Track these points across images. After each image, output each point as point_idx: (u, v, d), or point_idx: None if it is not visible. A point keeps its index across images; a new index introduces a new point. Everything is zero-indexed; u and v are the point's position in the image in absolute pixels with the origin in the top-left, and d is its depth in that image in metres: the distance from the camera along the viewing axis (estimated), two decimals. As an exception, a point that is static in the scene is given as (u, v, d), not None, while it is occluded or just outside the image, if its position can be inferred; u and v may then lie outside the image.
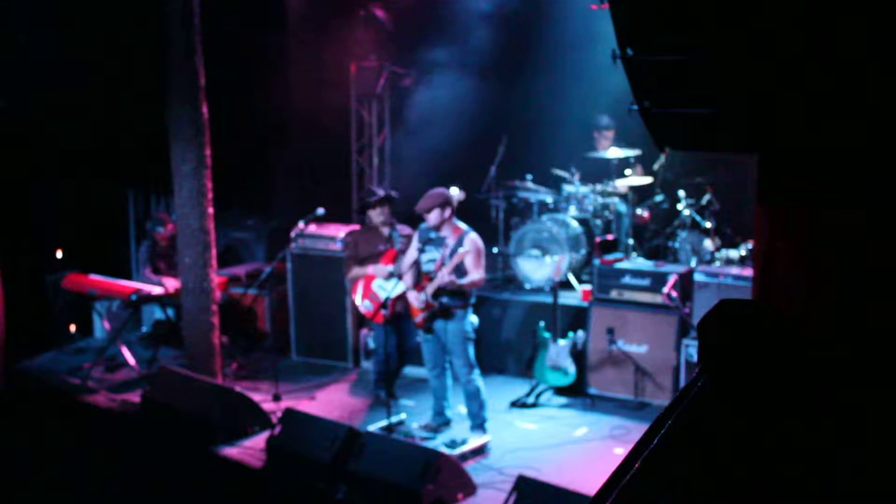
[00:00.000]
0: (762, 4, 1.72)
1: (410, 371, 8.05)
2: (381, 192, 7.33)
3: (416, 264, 6.61)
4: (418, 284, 6.52)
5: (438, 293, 6.38)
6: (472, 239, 6.43)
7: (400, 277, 6.85)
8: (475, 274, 6.38)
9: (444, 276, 6.30)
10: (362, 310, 7.26)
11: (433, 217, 6.39)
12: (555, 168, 8.98)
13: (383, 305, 6.85)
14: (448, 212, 6.43)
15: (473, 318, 6.62)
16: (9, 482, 6.36)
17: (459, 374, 6.57)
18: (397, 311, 7.08)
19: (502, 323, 8.15)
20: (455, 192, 6.80)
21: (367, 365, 8.16)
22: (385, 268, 7.04)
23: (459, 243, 6.39)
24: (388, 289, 6.97)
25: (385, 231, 7.23)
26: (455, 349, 6.51)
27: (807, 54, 1.72)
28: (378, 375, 7.41)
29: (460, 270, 6.35)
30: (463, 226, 6.54)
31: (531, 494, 5.05)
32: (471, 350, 6.52)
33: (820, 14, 1.68)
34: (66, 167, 9.23)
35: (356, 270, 7.24)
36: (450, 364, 6.73)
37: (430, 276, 6.45)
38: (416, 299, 6.49)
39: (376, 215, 7.21)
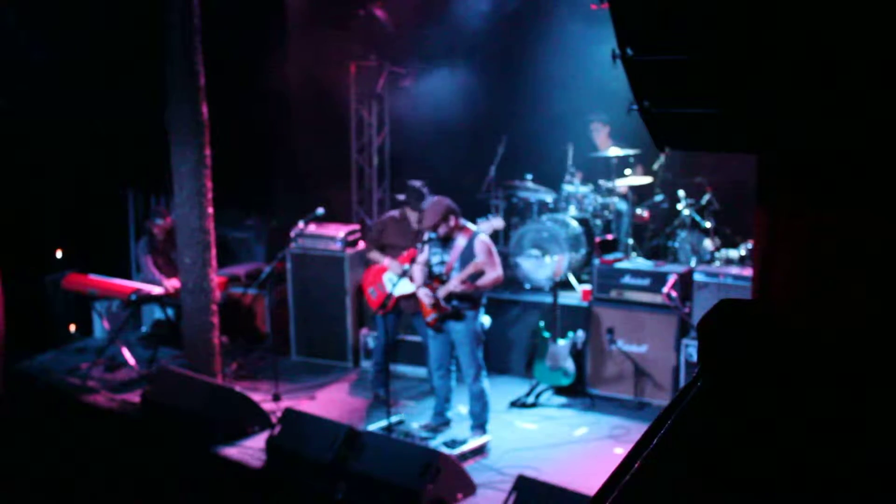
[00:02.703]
0: (763, 4, 1.72)
1: (411, 371, 8.06)
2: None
3: (426, 263, 6.62)
4: (429, 285, 6.51)
5: (450, 297, 6.38)
6: (482, 241, 6.42)
7: (412, 280, 6.87)
8: (492, 272, 6.37)
9: (458, 285, 6.30)
10: (367, 296, 7.40)
11: (442, 231, 6.39)
12: (567, 145, 8.94)
13: (387, 299, 6.88)
14: (453, 220, 6.42)
15: (485, 319, 6.61)
16: (9, 482, 6.36)
17: (466, 374, 6.56)
18: (398, 307, 7.16)
19: (502, 323, 8.14)
20: (496, 223, 6.80)
21: (366, 365, 8.16)
22: (400, 266, 7.08)
23: (470, 246, 6.38)
24: (395, 284, 6.96)
25: (414, 227, 7.22)
26: (463, 349, 6.49)
27: (808, 54, 1.72)
28: (377, 366, 7.42)
29: (474, 273, 6.35)
30: (472, 226, 6.53)
31: (531, 494, 5.06)
32: (479, 351, 6.51)
33: (821, 14, 1.68)
34: (66, 167, 9.22)
35: (374, 255, 7.33)
36: (456, 364, 6.71)
37: (440, 278, 6.44)
38: (426, 296, 6.47)
39: (413, 216, 7.23)
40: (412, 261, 6.97)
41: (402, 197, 7.45)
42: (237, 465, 6.39)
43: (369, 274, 7.35)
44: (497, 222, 6.79)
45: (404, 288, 6.96)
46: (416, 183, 7.28)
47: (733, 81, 1.84)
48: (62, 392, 7.85)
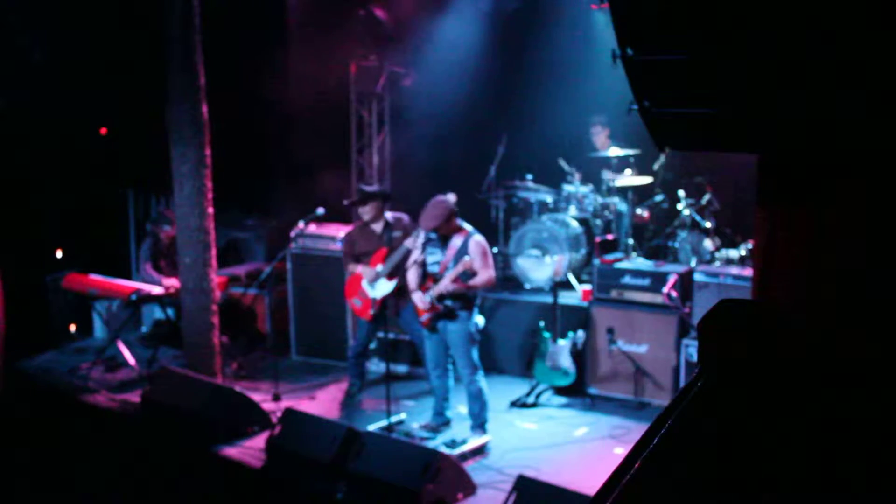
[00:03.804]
0: (763, 4, 1.72)
1: (405, 370, 8.08)
2: (367, 189, 7.39)
3: (422, 264, 6.61)
4: (423, 285, 6.51)
5: (443, 297, 6.39)
6: (477, 241, 6.42)
7: (390, 278, 6.88)
8: (484, 273, 6.37)
9: (449, 285, 6.31)
10: (352, 306, 7.43)
11: (442, 231, 6.40)
12: (560, 159, 8.96)
13: (378, 306, 6.91)
14: (453, 220, 6.44)
15: (479, 319, 6.62)
16: (9, 482, 6.36)
17: (462, 374, 6.57)
18: (384, 311, 7.19)
19: (502, 323, 8.14)
20: (451, 197, 6.81)
21: (366, 364, 8.16)
22: (371, 270, 7.15)
23: (465, 245, 6.39)
24: (376, 289, 7.05)
25: (377, 228, 7.27)
26: (458, 350, 6.50)
27: (808, 54, 1.72)
28: (354, 369, 7.63)
29: (467, 273, 6.35)
30: (467, 227, 6.53)
31: (531, 494, 5.05)
32: (474, 351, 6.51)
33: (821, 14, 1.68)
34: (66, 167, 9.22)
35: (350, 266, 7.41)
36: (452, 364, 6.73)
37: (434, 277, 6.45)
38: (420, 300, 6.48)
39: (365, 212, 7.27)
40: (384, 259, 7.04)
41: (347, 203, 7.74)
42: (237, 465, 6.39)
43: (349, 285, 7.38)
44: (450, 196, 6.79)
45: (384, 288, 7.03)
46: (368, 188, 7.51)
47: (733, 81, 1.84)
48: (62, 392, 7.85)
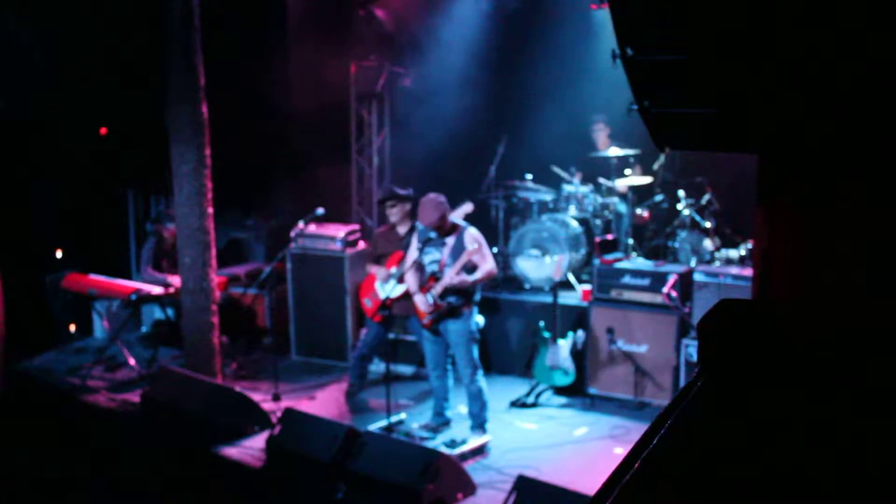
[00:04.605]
0: (763, 5, 1.72)
1: (410, 371, 8.07)
2: (399, 191, 7.41)
3: (420, 266, 6.60)
4: (424, 286, 6.51)
5: (445, 293, 6.38)
6: (472, 234, 6.43)
7: (400, 280, 6.87)
8: (485, 266, 6.39)
9: (453, 278, 6.31)
10: (364, 306, 7.49)
11: (442, 225, 6.41)
12: (554, 166, 8.98)
13: (382, 306, 6.90)
14: (448, 216, 6.45)
15: (479, 318, 6.62)
16: (9, 482, 6.37)
17: (463, 374, 6.57)
18: (393, 313, 7.21)
19: (502, 323, 8.14)
20: (467, 208, 6.81)
21: (368, 366, 8.15)
22: (383, 270, 7.22)
23: (460, 240, 6.40)
24: (386, 290, 7.07)
25: (401, 231, 7.32)
26: (459, 349, 6.50)
27: (807, 54, 1.72)
28: (356, 370, 7.65)
29: (466, 266, 6.36)
30: (460, 222, 6.54)
31: (531, 494, 5.06)
32: (475, 350, 6.52)
33: (820, 14, 1.68)
34: (66, 167, 9.22)
35: (368, 266, 7.55)
36: (452, 364, 6.73)
37: (435, 277, 6.45)
38: (422, 302, 6.48)
39: (392, 214, 7.37)
40: (399, 262, 7.04)
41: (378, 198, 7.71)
42: (237, 465, 6.39)
43: (364, 285, 7.50)
44: (467, 206, 6.77)
45: (395, 290, 7.05)
46: (400, 190, 7.50)
47: (733, 81, 1.84)
48: (62, 392, 7.85)
